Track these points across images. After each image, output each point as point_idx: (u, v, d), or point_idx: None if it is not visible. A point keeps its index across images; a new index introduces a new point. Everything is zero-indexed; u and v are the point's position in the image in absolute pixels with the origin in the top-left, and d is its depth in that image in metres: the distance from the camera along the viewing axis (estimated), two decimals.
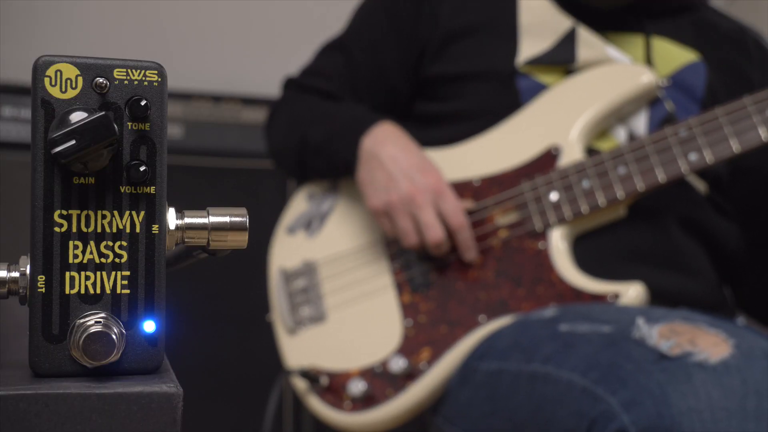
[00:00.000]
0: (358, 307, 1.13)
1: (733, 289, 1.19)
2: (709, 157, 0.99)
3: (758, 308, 1.20)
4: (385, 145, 1.09)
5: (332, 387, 1.09)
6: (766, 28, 1.26)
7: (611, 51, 1.10)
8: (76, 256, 0.42)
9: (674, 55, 1.13)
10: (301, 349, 1.15)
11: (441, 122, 1.15)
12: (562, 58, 1.10)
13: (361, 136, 1.11)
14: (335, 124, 1.17)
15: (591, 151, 1.08)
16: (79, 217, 0.42)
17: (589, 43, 1.10)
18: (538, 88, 1.11)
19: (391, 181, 1.06)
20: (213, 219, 0.45)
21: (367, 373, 1.08)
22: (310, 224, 1.20)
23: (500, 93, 1.12)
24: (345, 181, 1.20)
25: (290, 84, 1.29)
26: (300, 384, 1.13)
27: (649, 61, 1.11)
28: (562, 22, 1.11)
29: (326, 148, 1.16)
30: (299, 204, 1.23)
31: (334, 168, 1.16)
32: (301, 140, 1.19)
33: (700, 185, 1.09)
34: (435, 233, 1.04)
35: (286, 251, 1.21)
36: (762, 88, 1.01)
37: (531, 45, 1.12)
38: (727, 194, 1.13)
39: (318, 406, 1.10)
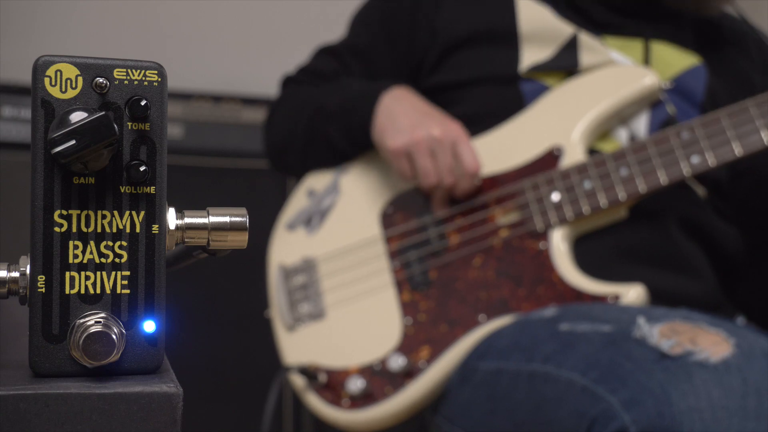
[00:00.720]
0: (357, 305, 1.13)
1: (732, 290, 1.19)
2: (711, 160, 0.99)
3: (757, 310, 1.20)
4: (405, 99, 1.11)
5: (331, 384, 1.10)
6: (766, 28, 1.26)
7: (614, 55, 1.10)
8: (76, 256, 0.42)
9: (674, 60, 1.13)
10: (299, 346, 1.15)
11: None
12: (565, 65, 1.10)
13: (380, 94, 1.12)
14: (351, 90, 1.18)
15: (592, 152, 1.08)
16: (79, 217, 0.42)
17: (591, 49, 1.10)
18: (543, 90, 1.11)
19: (414, 123, 1.08)
20: (213, 219, 0.45)
21: (366, 371, 1.08)
22: (310, 221, 1.20)
23: (504, 96, 1.13)
24: (346, 178, 1.20)
25: (289, 81, 1.30)
26: (298, 381, 1.13)
27: (647, 65, 1.11)
28: (563, 29, 1.11)
29: (343, 109, 1.16)
30: (299, 200, 1.23)
31: (349, 131, 1.16)
32: (315, 111, 1.19)
33: (700, 190, 1.10)
34: (451, 177, 1.06)
35: (286, 248, 1.21)
36: (764, 91, 1.01)
37: (533, 53, 1.12)
38: (726, 198, 1.13)
39: (316, 403, 1.10)
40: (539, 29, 1.13)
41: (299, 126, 1.22)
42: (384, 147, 1.10)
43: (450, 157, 1.06)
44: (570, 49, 1.11)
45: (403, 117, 1.09)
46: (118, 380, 0.41)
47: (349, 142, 1.17)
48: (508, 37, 1.14)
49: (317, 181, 1.23)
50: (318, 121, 1.19)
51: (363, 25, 1.26)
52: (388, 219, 1.14)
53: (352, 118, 1.15)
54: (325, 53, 1.28)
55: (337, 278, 1.15)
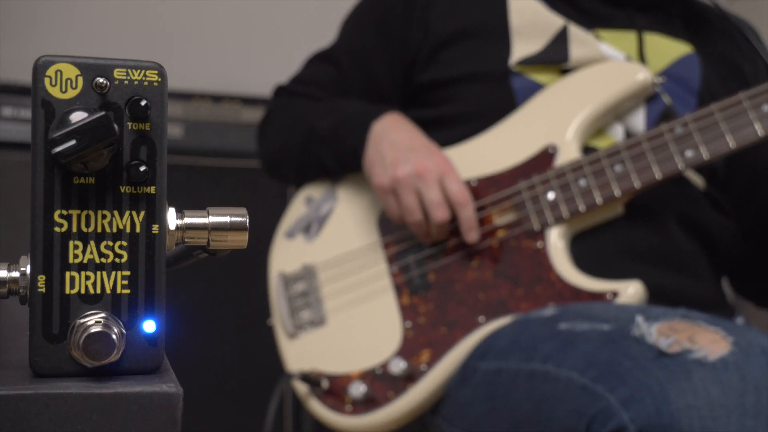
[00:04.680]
0: (357, 310, 1.13)
1: (731, 280, 1.21)
2: (705, 154, 1.00)
3: (753, 295, 1.23)
4: (395, 130, 1.10)
5: (333, 390, 1.09)
6: (766, 28, 1.26)
7: (604, 48, 1.10)
8: (76, 256, 0.42)
9: (667, 49, 1.13)
10: (301, 353, 1.15)
11: (436, 127, 1.15)
12: (555, 58, 1.10)
13: (371, 122, 1.12)
14: (344, 114, 1.17)
15: (588, 150, 1.08)
16: (79, 217, 0.43)
17: (581, 41, 1.10)
18: (533, 88, 1.11)
19: (399, 158, 1.07)
20: (213, 219, 0.45)
21: (368, 376, 1.08)
22: (309, 228, 1.20)
23: (495, 93, 1.13)
24: (343, 185, 1.20)
25: (281, 91, 1.30)
26: (301, 387, 1.12)
27: (642, 56, 1.11)
28: (554, 22, 1.12)
29: (335, 134, 1.16)
30: (298, 208, 1.23)
31: (340, 156, 1.16)
32: (307, 132, 1.19)
33: (698, 180, 1.10)
34: (441, 212, 1.04)
35: (286, 256, 1.20)
36: (753, 80, 1.01)
37: (523, 46, 1.12)
38: (723, 188, 1.13)
39: (319, 409, 1.10)
40: (530, 22, 1.13)
41: (291, 144, 1.22)
42: (371, 183, 1.11)
43: (437, 192, 1.05)
44: (560, 41, 1.11)
45: (390, 151, 1.08)
46: (118, 380, 0.42)
47: (341, 167, 1.18)
48: (498, 32, 1.14)
49: (315, 188, 1.23)
50: (310, 143, 1.19)
51: (357, 26, 1.26)
52: (385, 224, 1.14)
53: (343, 145, 1.15)
54: (320, 60, 1.28)
55: (337, 284, 1.15)
